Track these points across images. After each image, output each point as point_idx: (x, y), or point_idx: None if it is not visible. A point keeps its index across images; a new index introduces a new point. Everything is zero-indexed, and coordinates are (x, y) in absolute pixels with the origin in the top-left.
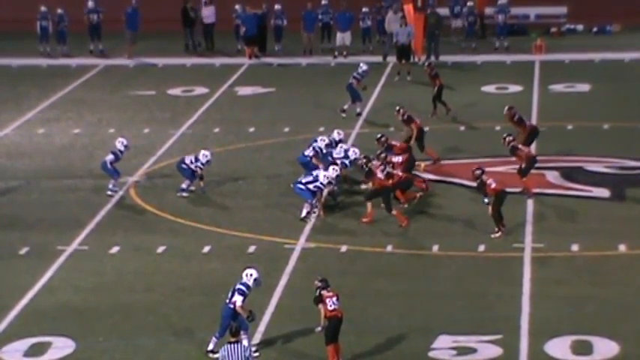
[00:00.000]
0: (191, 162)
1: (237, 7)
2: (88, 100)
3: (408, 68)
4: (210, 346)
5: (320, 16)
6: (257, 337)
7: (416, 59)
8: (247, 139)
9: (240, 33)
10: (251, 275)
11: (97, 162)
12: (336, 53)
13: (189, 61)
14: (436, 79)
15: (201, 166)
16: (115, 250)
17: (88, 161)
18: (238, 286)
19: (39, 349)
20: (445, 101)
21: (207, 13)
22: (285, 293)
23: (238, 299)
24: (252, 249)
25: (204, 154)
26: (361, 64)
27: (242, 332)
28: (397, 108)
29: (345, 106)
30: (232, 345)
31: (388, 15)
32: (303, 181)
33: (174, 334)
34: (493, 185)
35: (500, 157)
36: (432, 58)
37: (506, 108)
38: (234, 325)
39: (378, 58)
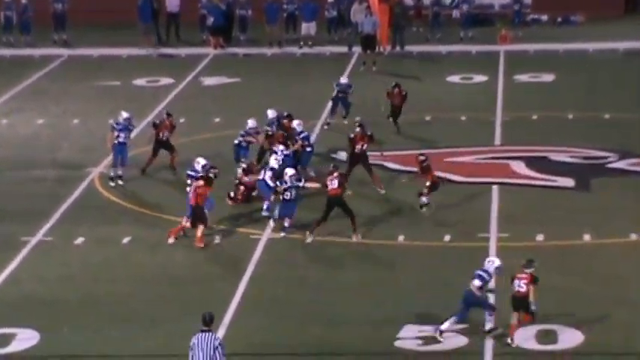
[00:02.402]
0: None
1: None
2: (52, 90)
3: (373, 58)
4: (445, 326)
5: (285, 6)
6: (222, 329)
7: (381, 49)
8: (213, 129)
9: (207, 23)
10: (492, 262)
11: (61, 153)
12: (302, 43)
13: (154, 51)
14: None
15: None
16: (79, 240)
17: (52, 152)
18: (479, 272)
19: (3, 340)
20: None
21: (172, 3)
22: (251, 284)
23: (476, 282)
24: (218, 239)
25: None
26: (341, 79)
27: (487, 314)
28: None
29: (345, 121)
30: (203, 334)
31: (353, 6)
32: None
33: (140, 324)
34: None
35: (465, 146)
36: (397, 48)
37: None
38: (208, 315)
39: (344, 48)
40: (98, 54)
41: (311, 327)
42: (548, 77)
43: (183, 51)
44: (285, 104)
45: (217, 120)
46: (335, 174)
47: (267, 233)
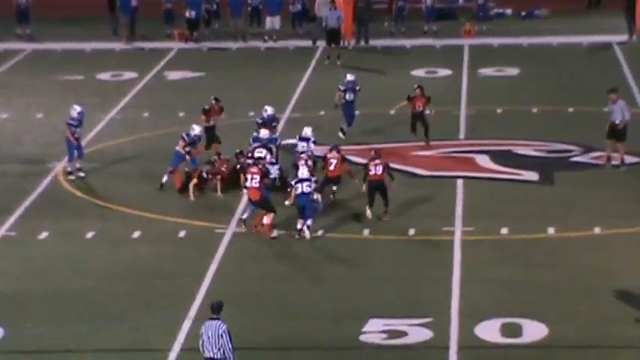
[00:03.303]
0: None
1: None
2: (16, 84)
3: (337, 52)
4: None
5: (249, 0)
6: (187, 323)
7: (345, 44)
8: (177, 123)
9: (187, 16)
10: None
11: (25, 147)
12: (266, 37)
13: (117, 45)
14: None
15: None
16: (43, 235)
17: (16, 146)
18: None
19: None
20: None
21: None
22: (216, 278)
23: None
24: (182, 234)
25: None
26: (347, 76)
27: None
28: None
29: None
30: (211, 322)
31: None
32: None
33: (106, 319)
34: None
35: (430, 140)
36: (362, 42)
37: None
38: (215, 303)
39: (308, 43)
40: (62, 48)
41: (276, 321)
42: (512, 71)
43: (146, 45)
44: (250, 98)
45: (182, 114)
46: (378, 160)
47: (232, 227)
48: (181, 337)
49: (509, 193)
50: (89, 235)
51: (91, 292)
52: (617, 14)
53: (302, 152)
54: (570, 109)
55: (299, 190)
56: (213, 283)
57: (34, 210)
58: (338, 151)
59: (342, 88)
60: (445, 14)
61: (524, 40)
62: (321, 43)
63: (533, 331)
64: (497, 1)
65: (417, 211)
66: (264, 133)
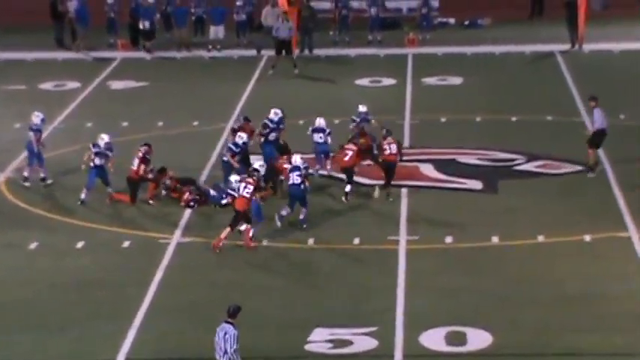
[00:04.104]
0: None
1: None
2: None
3: (293, 62)
4: None
5: (193, 10)
6: (132, 333)
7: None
8: (121, 133)
9: (141, 27)
10: None
11: None
12: (210, 47)
13: (60, 55)
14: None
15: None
16: None
17: None
18: None
19: None
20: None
21: (73, 6)
22: (160, 288)
23: None
24: (126, 244)
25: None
26: (359, 107)
27: None
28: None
29: None
30: (224, 324)
31: (265, 9)
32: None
33: (49, 330)
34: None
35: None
36: (306, 51)
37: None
38: (232, 307)
39: (253, 52)
40: (3, 58)
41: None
42: (455, 80)
43: (89, 55)
44: (194, 108)
45: (125, 124)
46: (390, 139)
47: (176, 237)
48: (126, 347)
49: (453, 202)
50: (32, 245)
51: (35, 302)
52: (560, 23)
53: (319, 143)
54: (514, 118)
55: (290, 181)
56: (159, 293)
57: None
58: (355, 144)
59: (356, 119)
60: (389, 23)
61: (468, 49)
62: (266, 53)
63: (478, 339)
64: (441, 11)
65: (361, 220)
66: (244, 137)
